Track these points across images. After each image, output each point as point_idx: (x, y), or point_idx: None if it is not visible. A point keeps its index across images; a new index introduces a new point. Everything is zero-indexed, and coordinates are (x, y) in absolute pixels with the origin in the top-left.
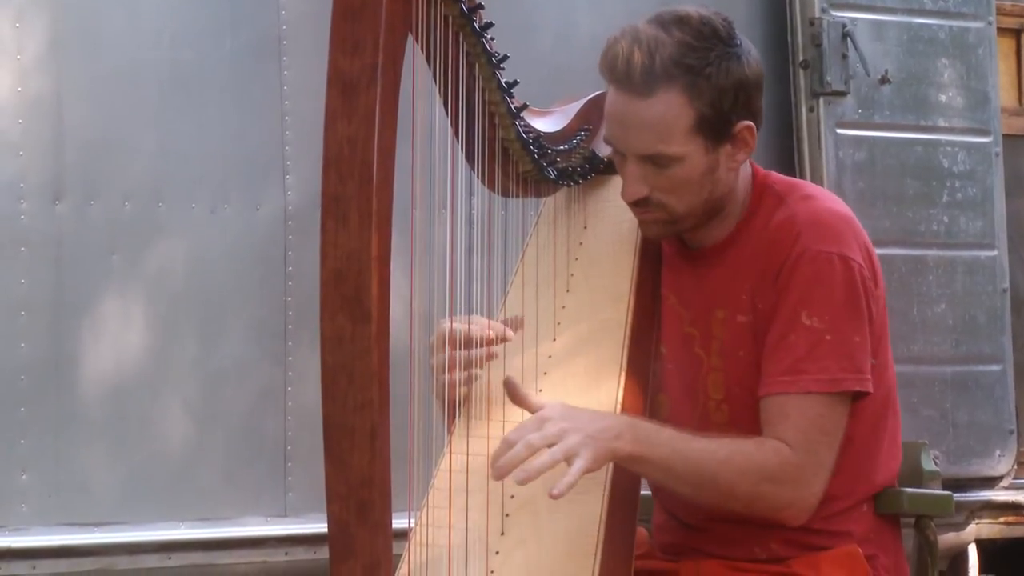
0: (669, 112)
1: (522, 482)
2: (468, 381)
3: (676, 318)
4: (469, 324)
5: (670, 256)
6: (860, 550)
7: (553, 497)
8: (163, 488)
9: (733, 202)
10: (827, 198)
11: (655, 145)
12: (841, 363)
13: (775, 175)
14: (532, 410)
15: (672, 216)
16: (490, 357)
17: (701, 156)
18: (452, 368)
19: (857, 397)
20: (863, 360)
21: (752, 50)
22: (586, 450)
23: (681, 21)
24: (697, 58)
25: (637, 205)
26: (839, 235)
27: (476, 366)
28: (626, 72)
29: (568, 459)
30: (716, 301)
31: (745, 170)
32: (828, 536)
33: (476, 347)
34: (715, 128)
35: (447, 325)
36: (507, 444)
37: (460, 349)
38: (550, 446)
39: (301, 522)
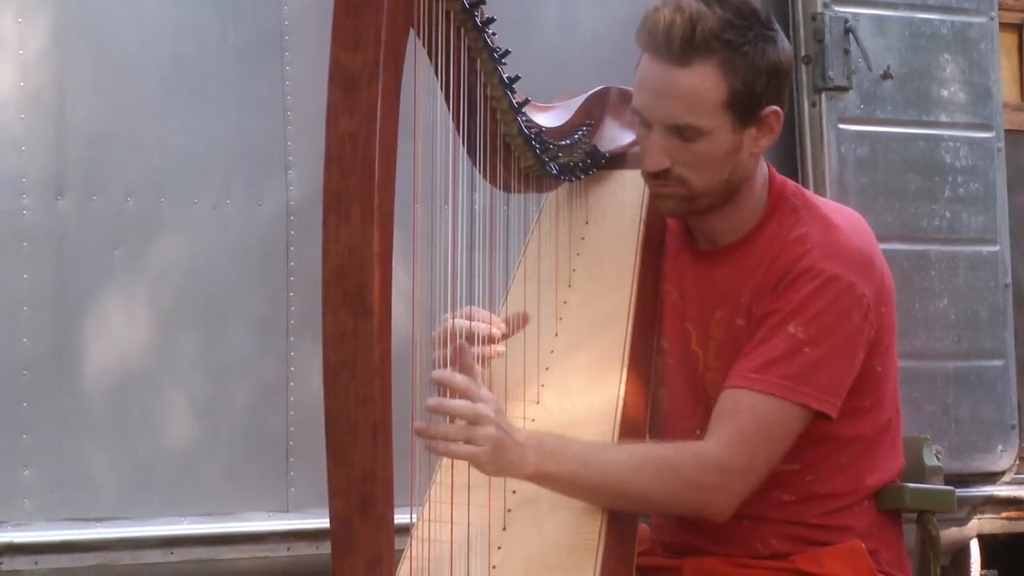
0: (703, 84)
1: (424, 436)
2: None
3: (677, 313)
4: (471, 319)
5: (676, 251)
6: (863, 545)
7: (427, 447)
8: (165, 484)
9: (749, 193)
10: (851, 231)
11: (684, 116)
12: (810, 377)
13: (792, 185)
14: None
15: (690, 192)
16: (492, 356)
17: (727, 134)
18: (454, 363)
19: (820, 417)
20: (833, 383)
21: (785, 39)
22: (488, 448)
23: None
24: (736, 35)
25: (657, 178)
26: (850, 261)
27: (479, 363)
28: (666, 40)
29: (468, 442)
30: (717, 302)
31: (762, 168)
32: (830, 531)
33: (479, 344)
34: (745, 108)
35: (449, 322)
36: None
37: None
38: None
39: (303, 517)
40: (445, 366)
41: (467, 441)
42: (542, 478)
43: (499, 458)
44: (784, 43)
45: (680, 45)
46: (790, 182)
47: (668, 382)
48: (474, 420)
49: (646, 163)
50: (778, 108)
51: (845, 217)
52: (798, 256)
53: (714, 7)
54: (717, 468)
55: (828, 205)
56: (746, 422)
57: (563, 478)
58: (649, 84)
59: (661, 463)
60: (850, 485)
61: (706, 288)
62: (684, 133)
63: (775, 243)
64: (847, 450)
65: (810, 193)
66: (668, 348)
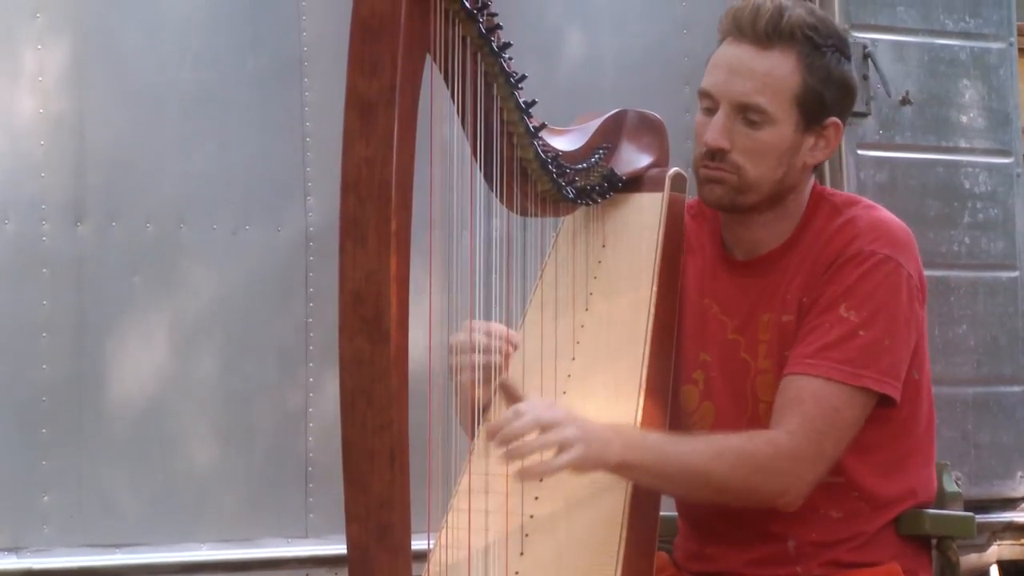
0: (780, 69)
1: (513, 458)
2: (486, 380)
3: (719, 326)
4: (489, 334)
5: (710, 265)
6: (899, 567)
7: (521, 475)
8: (185, 509)
9: (795, 206)
10: (891, 215)
11: (755, 96)
12: (866, 359)
13: (831, 189)
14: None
15: (741, 182)
16: (508, 356)
17: (790, 129)
18: (471, 368)
19: (884, 403)
20: (891, 364)
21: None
22: (580, 446)
23: (810, 10)
24: (820, 37)
25: (712, 159)
26: (896, 242)
27: (495, 371)
28: (752, 22)
29: (562, 448)
30: (762, 306)
31: (808, 185)
32: (869, 549)
33: (495, 355)
34: (812, 109)
35: (463, 336)
36: (516, 414)
37: (479, 353)
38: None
39: (322, 543)
40: (460, 372)
41: (561, 448)
42: (626, 468)
43: (590, 451)
44: (853, 72)
45: (766, 28)
46: (829, 188)
47: (713, 395)
48: (550, 424)
49: (706, 138)
50: (840, 122)
51: (878, 205)
52: (848, 240)
53: (804, 6)
54: (789, 456)
55: (865, 199)
56: (809, 409)
57: (646, 467)
58: (725, 63)
59: (739, 452)
60: (909, 494)
61: (749, 296)
62: (750, 116)
63: (820, 236)
64: (911, 456)
65: (849, 193)
66: (711, 361)
